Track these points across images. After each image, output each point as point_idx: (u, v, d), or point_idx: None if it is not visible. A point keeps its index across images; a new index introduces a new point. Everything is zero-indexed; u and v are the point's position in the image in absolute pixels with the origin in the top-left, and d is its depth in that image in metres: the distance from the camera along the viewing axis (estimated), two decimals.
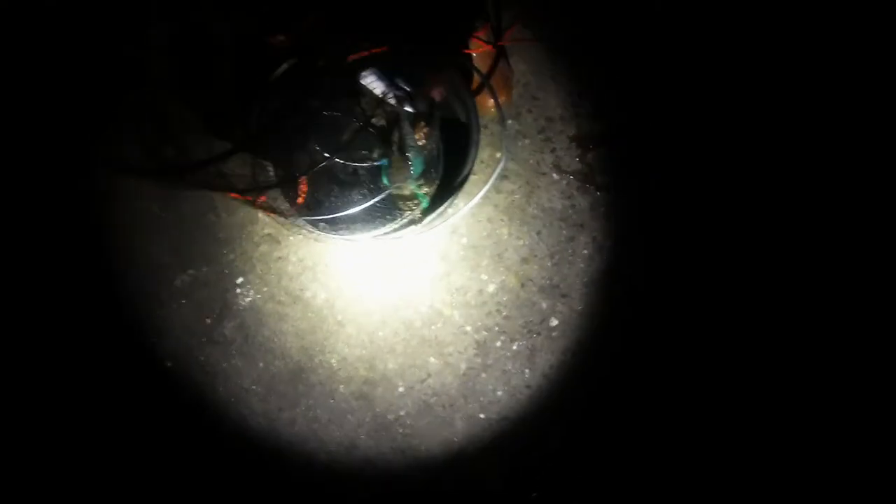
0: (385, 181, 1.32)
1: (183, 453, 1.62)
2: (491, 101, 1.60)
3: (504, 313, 1.62)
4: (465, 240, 1.63)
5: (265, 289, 1.65)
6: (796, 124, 1.61)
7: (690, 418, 1.60)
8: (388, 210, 1.38)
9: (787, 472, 1.55)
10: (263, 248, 1.65)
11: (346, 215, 1.33)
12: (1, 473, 1.56)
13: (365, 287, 1.63)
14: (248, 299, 1.65)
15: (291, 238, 1.65)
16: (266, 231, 1.65)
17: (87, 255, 1.63)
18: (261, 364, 1.64)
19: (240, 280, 1.66)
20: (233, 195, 1.53)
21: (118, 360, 1.62)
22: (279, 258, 1.65)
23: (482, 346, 1.62)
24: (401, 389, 1.63)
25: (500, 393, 1.63)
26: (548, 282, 1.62)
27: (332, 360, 1.64)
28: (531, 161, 1.64)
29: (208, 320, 1.66)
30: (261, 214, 1.65)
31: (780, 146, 1.62)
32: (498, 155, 1.61)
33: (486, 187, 1.42)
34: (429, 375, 1.63)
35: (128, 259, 1.64)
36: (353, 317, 1.63)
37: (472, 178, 1.59)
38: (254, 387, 1.64)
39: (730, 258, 1.62)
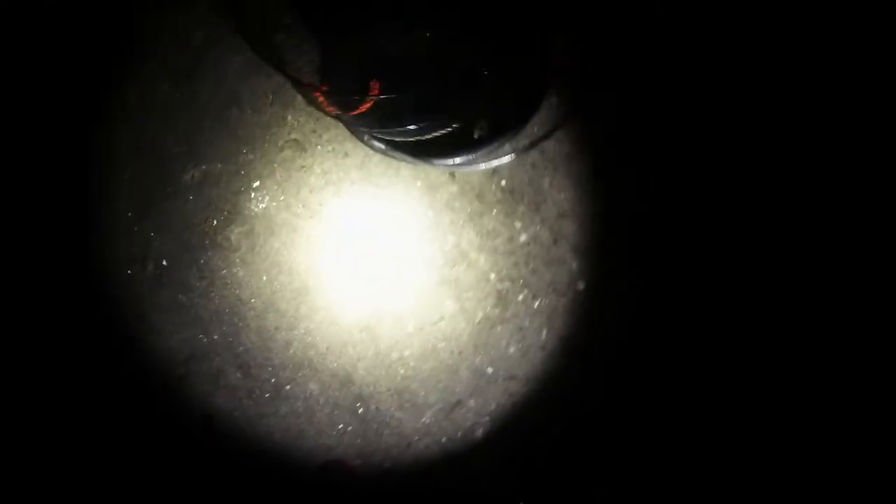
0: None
1: (163, 358, 1.50)
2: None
3: (531, 266, 1.53)
4: (504, 182, 1.53)
5: (282, 197, 1.53)
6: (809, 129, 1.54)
7: (709, 411, 1.53)
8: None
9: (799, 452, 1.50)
10: (287, 153, 1.53)
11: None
12: None
13: (390, 213, 1.52)
14: (262, 206, 1.53)
15: (319, 147, 1.52)
16: (292, 136, 1.53)
17: (84, 140, 1.48)
18: (264, 277, 1.52)
19: (256, 184, 1.53)
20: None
21: (107, 252, 1.49)
22: (303, 167, 1.53)
23: (503, 297, 1.53)
24: (410, 329, 1.53)
25: (512, 349, 1.54)
26: (582, 242, 1.53)
27: (343, 286, 1.52)
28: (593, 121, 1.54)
29: (215, 221, 1.53)
30: (290, 116, 1.52)
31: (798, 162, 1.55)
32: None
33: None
34: (442, 318, 1.53)
35: (132, 146, 1.50)
36: (369, 242, 1.52)
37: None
38: (252, 300, 1.52)
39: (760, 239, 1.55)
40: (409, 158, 1.20)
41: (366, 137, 1.19)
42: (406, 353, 1.52)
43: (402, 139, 1.15)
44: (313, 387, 1.53)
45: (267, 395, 1.53)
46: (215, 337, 1.52)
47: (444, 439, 1.56)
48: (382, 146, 1.18)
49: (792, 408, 1.50)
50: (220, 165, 1.52)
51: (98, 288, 1.49)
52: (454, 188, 1.52)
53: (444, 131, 1.13)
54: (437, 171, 1.51)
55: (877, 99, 1.47)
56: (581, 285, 1.53)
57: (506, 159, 1.37)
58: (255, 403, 1.53)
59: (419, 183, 1.52)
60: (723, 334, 1.53)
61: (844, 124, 1.49)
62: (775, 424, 1.51)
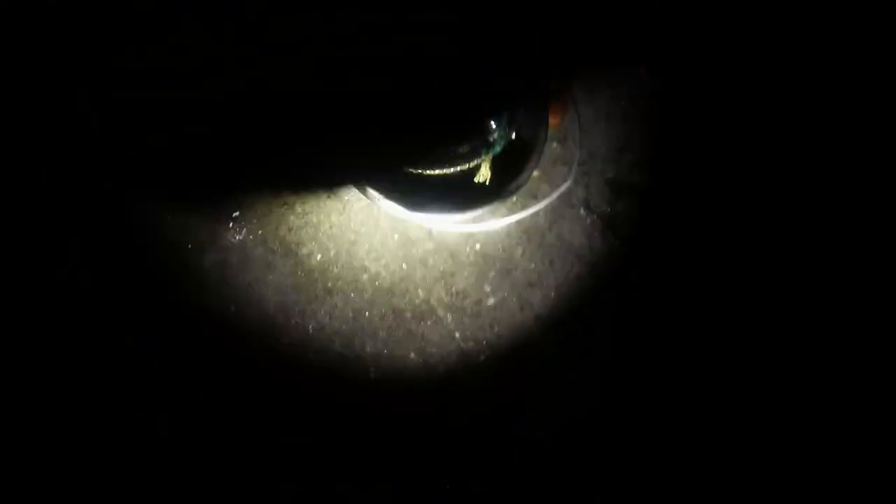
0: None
1: (128, 373, 1.48)
2: (556, 120, 1.59)
3: (496, 330, 1.58)
4: (478, 246, 1.58)
5: (260, 231, 1.55)
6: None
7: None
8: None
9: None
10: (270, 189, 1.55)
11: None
12: None
13: (365, 261, 1.55)
14: (239, 237, 1.54)
15: (303, 186, 1.55)
16: None
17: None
18: (232, 308, 1.52)
19: (235, 214, 1.54)
20: None
21: (87, 264, 1.47)
22: (284, 204, 1.55)
23: (465, 357, 1.57)
24: (372, 375, 1.54)
25: (468, 412, 1.57)
26: (548, 312, 1.59)
27: (309, 326, 1.54)
28: (563, 189, 1.62)
29: (189, 245, 1.53)
30: None
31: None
32: (536, 173, 1.58)
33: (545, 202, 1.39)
34: (404, 369, 1.55)
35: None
36: (343, 288, 1.55)
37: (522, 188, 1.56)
38: (215, 331, 1.52)
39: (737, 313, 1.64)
40: (405, 211, 1.26)
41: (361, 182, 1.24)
42: (369, 401, 1.54)
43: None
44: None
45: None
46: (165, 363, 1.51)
47: None
48: (378, 195, 1.23)
49: (790, 409, 1.55)
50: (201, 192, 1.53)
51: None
52: (430, 245, 1.57)
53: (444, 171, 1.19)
54: (415, 227, 1.55)
55: (877, 99, 1.57)
56: (546, 355, 1.59)
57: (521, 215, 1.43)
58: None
59: (396, 236, 1.56)
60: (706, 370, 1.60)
61: (845, 124, 1.58)
62: (774, 424, 1.55)
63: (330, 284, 1.55)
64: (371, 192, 1.27)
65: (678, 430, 1.57)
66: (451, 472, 1.50)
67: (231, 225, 1.54)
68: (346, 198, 1.56)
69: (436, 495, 1.47)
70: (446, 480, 1.45)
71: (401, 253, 1.56)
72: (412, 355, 1.55)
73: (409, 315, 1.56)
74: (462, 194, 1.38)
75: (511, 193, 1.40)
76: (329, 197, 1.56)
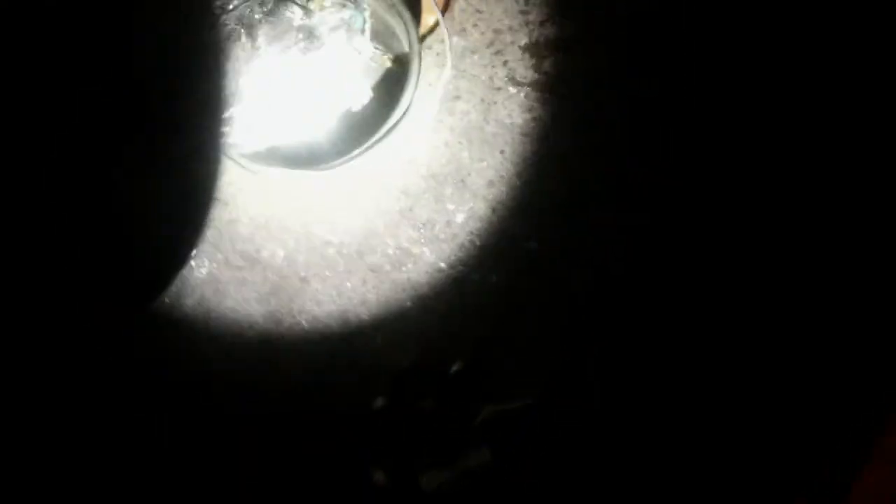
0: None
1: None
2: (431, 19, 1.49)
3: (478, 243, 1.49)
4: (423, 169, 1.50)
5: (220, 256, 1.53)
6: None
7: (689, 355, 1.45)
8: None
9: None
10: (212, 212, 1.53)
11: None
12: None
13: (324, 237, 1.51)
14: (205, 270, 1.53)
15: (240, 198, 1.53)
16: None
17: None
18: (226, 337, 1.52)
19: (193, 252, 1.54)
20: None
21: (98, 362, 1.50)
22: (230, 221, 1.53)
23: (459, 283, 1.49)
24: (380, 341, 1.49)
25: (486, 328, 1.49)
26: (519, 202, 1.49)
27: (303, 321, 1.51)
28: (483, 77, 1.52)
29: (167, 300, 1.54)
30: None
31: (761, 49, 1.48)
32: (445, 71, 1.49)
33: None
34: (407, 322, 1.49)
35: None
36: (316, 271, 1.51)
37: (423, 102, 1.48)
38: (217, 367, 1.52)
39: (710, 159, 1.48)
40: (282, 170, 1.20)
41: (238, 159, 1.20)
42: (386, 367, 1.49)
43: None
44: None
45: None
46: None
47: None
48: (257, 166, 1.19)
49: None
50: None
51: None
52: (376, 191, 1.50)
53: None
54: (354, 181, 1.49)
55: (877, 99, 1.42)
56: (534, 244, 1.48)
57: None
58: None
59: (342, 198, 1.51)
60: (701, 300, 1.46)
61: (845, 123, 1.43)
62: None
63: (303, 273, 1.51)
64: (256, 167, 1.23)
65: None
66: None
67: (193, 263, 1.53)
68: (282, 189, 1.52)
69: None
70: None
71: (353, 212, 1.51)
72: (409, 304, 1.49)
73: (388, 268, 1.50)
74: (357, 126, 1.31)
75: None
76: (266, 193, 1.53)
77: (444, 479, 0.80)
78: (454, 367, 0.84)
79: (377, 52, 1.43)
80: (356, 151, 1.35)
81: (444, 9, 1.49)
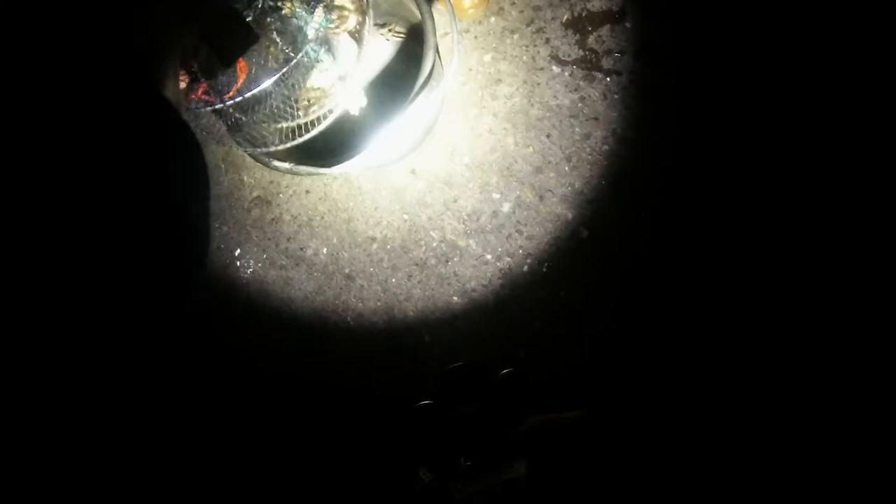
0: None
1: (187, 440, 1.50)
2: (466, 1, 1.43)
3: (526, 233, 1.42)
4: (467, 159, 1.44)
5: (265, 256, 1.52)
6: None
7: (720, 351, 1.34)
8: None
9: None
10: (255, 212, 1.52)
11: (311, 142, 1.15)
12: None
13: (367, 233, 1.47)
14: (250, 270, 1.52)
15: (282, 196, 1.51)
16: (254, 194, 1.52)
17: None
18: (275, 339, 1.51)
19: (237, 252, 1.53)
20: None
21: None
22: (273, 220, 1.52)
23: (508, 275, 1.43)
24: (427, 338, 1.45)
25: (538, 324, 1.42)
26: (569, 189, 1.41)
27: (348, 319, 1.48)
28: (525, 58, 1.44)
29: (214, 301, 1.54)
30: (246, 177, 1.52)
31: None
32: (487, 57, 1.42)
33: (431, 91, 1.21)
34: (455, 317, 1.44)
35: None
36: (360, 268, 1.48)
37: (464, 88, 1.42)
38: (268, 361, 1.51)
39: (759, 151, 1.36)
40: (312, 170, 1.15)
41: (271, 162, 1.16)
42: (432, 363, 1.45)
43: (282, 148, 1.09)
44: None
45: None
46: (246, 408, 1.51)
47: None
48: (287, 165, 1.14)
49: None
50: None
51: None
52: (420, 184, 1.45)
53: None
54: (396, 175, 1.45)
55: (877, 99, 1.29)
56: (585, 232, 1.41)
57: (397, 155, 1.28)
58: None
59: (384, 192, 1.47)
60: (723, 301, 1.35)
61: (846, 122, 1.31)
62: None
63: (347, 270, 1.48)
64: (286, 165, 1.18)
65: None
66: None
67: (238, 264, 1.53)
68: (322, 185, 1.49)
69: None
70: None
71: (396, 206, 1.46)
72: (455, 299, 1.44)
73: (433, 262, 1.45)
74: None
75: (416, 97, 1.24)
76: (308, 192, 1.50)
77: (476, 489, 0.75)
78: (503, 372, 0.79)
79: (379, 27, 1.32)
80: (380, 137, 1.27)
81: None
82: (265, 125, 1.08)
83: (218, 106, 0.93)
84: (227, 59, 0.88)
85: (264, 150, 1.04)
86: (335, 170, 1.22)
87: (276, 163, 1.14)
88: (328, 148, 1.30)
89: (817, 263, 1.31)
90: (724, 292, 1.33)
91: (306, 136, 1.01)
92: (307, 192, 1.49)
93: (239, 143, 1.12)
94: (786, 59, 1.34)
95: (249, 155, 1.25)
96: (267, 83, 0.94)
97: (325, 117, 1.00)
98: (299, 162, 1.27)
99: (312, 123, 1.01)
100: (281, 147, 1.08)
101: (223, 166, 1.54)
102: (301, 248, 1.50)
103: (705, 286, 1.34)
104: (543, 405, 0.78)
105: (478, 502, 0.71)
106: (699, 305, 1.34)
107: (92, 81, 0.46)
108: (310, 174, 1.23)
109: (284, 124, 1.06)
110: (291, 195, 1.50)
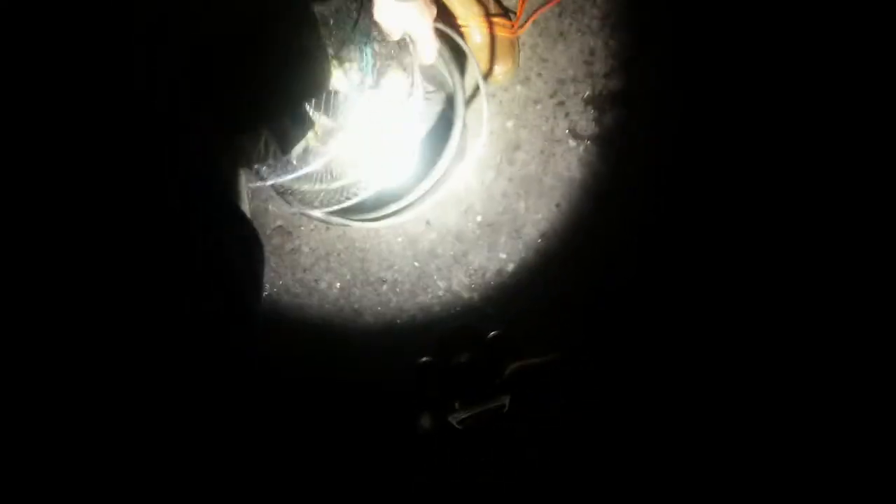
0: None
1: None
2: (497, 68, 1.51)
3: (527, 295, 1.53)
4: (479, 217, 1.54)
5: (280, 282, 1.62)
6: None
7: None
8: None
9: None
10: (276, 240, 1.62)
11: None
12: None
13: (379, 274, 1.58)
14: (265, 294, 1.63)
15: (303, 228, 1.61)
16: (277, 223, 1.62)
17: None
18: (281, 361, 1.61)
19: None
20: None
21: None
22: (292, 250, 1.62)
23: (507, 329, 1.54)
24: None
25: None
26: (570, 258, 1.52)
27: (352, 348, 1.59)
28: (544, 128, 1.53)
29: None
30: (270, 206, 1.62)
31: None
32: (509, 124, 1.51)
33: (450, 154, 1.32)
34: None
35: None
36: (369, 305, 1.58)
37: (484, 150, 1.51)
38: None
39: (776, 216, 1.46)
40: (345, 221, 1.26)
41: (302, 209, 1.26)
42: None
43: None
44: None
45: None
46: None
47: None
48: (319, 214, 1.25)
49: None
50: None
51: None
52: (433, 235, 1.55)
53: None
54: (412, 224, 1.55)
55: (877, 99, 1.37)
56: (584, 296, 1.51)
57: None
58: None
59: (399, 239, 1.57)
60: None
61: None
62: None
63: (356, 306, 1.59)
64: (317, 214, 1.28)
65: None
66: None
67: None
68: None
69: None
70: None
71: (409, 253, 1.56)
72: None
73: (438, 309, 1.56)
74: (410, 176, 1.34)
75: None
76: (328, 229, 1.60)
77: (466, 416, 0.89)
78: (491, 333, 0.91)
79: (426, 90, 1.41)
80: (406, 201, 1.37)
81: (509, 59, 1.50)
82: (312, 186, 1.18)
83: (273, 181, 1.04)
84: (286, 148, 0.98)
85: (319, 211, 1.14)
86: (366, 225, 1.32)
87: (308, 210, 1.23)
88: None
89: (816, 261, 1.42)
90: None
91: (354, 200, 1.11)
92: (327, 228, 1.59)
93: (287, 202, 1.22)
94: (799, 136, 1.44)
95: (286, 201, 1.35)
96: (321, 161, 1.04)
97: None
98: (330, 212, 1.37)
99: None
100: (329, 208, 1.19)
101: (250, 194, 1.63)
102: (315, 280, 1.60)
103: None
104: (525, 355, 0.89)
105: (467, 424, 0.82)
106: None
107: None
108: (340, 225, 1.34)
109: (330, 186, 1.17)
110: (312, 229, 1.60)
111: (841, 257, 1.40)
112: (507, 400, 0.89)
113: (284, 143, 0.97)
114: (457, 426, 0.84)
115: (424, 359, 0.96)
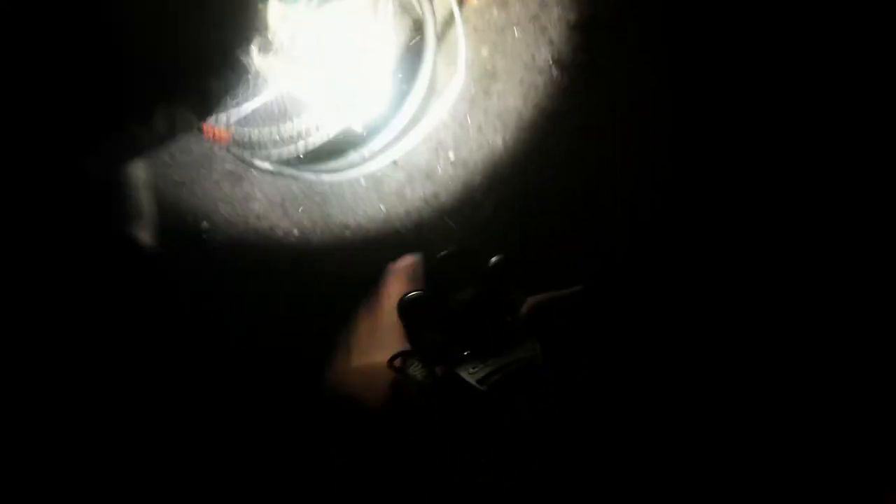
0: None
1: None
2: None
3: (508, 237, 1.39)
4: (452, 155, 1.39)
5: (232, 232, 1.46)
6: None
7: None
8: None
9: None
10: (225, 186, 1.46)
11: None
12: None
13: (341, 219, 1.42)
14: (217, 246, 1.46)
15: (254, 172, 1.44)
16: (226, 167, 1.45)
17: None
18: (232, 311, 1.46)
19: (204, 224, 1.46)
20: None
21: None
22: (244, 196, 1.45)
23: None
24: None
25: None
26: (556, 196, 1.37)
27: (313, 295, 1.44)
28: (524, 56, 1.38)
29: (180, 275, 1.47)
30: (217, 148, 1.45)
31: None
32: (484, 51, 1.36)
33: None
34: None
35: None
36: (331, 254, 1.43)
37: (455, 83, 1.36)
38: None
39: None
40: (297, 173, 1.10)
41: (255, 161, 1.10)
42: None
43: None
44: None
45: None
46: None
47: None
48: (267, 166, 1.09)
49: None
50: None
51: None
52: (400, 175, 1.40)
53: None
54: (377, 165, 1.39)
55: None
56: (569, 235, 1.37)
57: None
58: None
59: (363, 181, 1.41)
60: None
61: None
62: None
63: (318, 253, 1.43)
64: (267, 166, 1.12)
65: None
66: None
67: (205, 238, 1.46)
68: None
69: None
70: None
71: (373, 196, 1.42)
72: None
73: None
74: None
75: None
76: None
77: (488, 371, 0.70)
78: (493, 259, 0.75)
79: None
80: (373, 147, 1.22)
81: None
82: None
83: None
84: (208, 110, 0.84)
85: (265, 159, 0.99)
86: (326, 178, 1.17)
87: (259, 162, 1.08)
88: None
89: (815, 259, 1.30)
90: None
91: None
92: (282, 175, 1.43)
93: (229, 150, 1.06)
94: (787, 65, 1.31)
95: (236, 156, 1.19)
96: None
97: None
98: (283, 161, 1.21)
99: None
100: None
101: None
102: (271, 228, 1.44)
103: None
104: (536, 287, 0.73)
105: (494, 383, 0.65)
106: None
107: None
108: (296, 178, 1.18)
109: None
110: (264, 174, 1.43)
111: (839, 250, 1.28)
112: (538, 348, 0.71)
113: (205, 107, 0.83)
114: (477, 386, 0.67)
115: (412, 293, 0.78)
